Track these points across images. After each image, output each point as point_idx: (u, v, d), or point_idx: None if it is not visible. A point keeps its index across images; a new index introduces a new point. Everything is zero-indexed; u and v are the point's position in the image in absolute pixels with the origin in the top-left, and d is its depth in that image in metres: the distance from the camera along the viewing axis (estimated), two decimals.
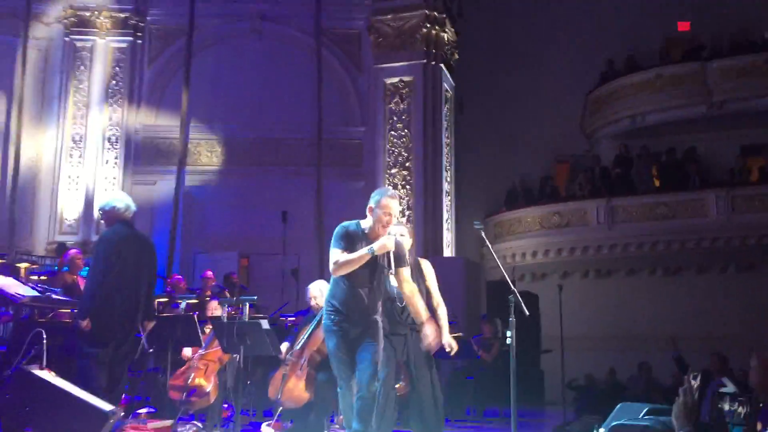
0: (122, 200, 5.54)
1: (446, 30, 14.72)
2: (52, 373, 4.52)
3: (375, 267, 4.42)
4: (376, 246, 4.34)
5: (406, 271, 4.57)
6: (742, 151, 14.98)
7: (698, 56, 14.93)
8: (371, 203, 4.49)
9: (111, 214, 5.44)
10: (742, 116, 14.38)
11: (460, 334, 9.47)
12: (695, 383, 2.44)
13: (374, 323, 4.36)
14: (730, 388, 2.53)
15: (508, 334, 4.86)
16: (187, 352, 6.66)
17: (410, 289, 4.55)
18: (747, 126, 14.66)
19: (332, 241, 4.44)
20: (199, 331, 6.44)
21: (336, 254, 4.40)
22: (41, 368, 4.51)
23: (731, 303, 13.22)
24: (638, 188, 14.67)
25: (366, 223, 4.50)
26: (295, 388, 6.09)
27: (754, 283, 13.36)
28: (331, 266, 4.40)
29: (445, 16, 14.61)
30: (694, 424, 2.30)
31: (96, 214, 12.46)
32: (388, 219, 4.45)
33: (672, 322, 13.13)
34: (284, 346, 6.26)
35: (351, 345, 4.40)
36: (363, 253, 4.34)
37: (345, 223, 4.54)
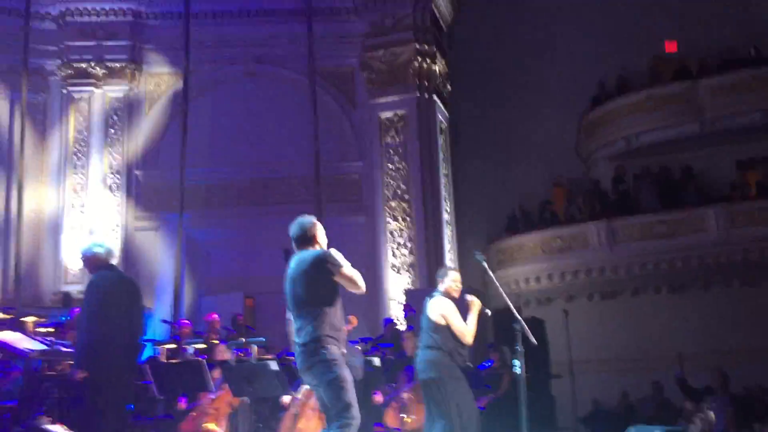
0: (102, 245, 5.55)
1: (437, 62, 14.92)
2: (64, 427, 4.53)
3: None
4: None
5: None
6: (738, 166, 15.07)
7: (688, 75, 15.10)
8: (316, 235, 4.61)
9: (92, 260, 5.43)
10: (735, 132, 14.48)
11: (469, 364, 9.47)
12: (712, 414, 2.46)
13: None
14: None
15: (516, 363, 4.88)
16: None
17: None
18: (740, 141, 14.75)
19: (337, 259, 4.35)
20: (208, 375, 6.45)
21: (356, 271, 4.37)
22: (52, 422, 4.52)
23: (736, 317, 13.20)
24: (641, 208, 14.69)
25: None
26: (307, 428, 6.08)
27: (758, 297, 13.34)
28: (358, 281, 4.33)
29: (435, 49, 14.83)
30: None
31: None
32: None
33: (680, 340, 13.10)
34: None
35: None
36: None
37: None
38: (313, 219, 4.63)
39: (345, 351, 4.40)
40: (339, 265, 4.32)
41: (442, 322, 5.37)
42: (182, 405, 6.50)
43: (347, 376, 4.26)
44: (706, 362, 11.22)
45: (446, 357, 5.29)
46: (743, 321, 13.14)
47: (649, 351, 13.43)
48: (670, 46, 15.98)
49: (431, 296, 5.61)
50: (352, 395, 4.24)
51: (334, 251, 4.43)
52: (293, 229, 4.59)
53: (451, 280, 5.59)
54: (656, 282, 14.30)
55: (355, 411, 4.22)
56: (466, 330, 5.41)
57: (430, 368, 5.34)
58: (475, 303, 5.48)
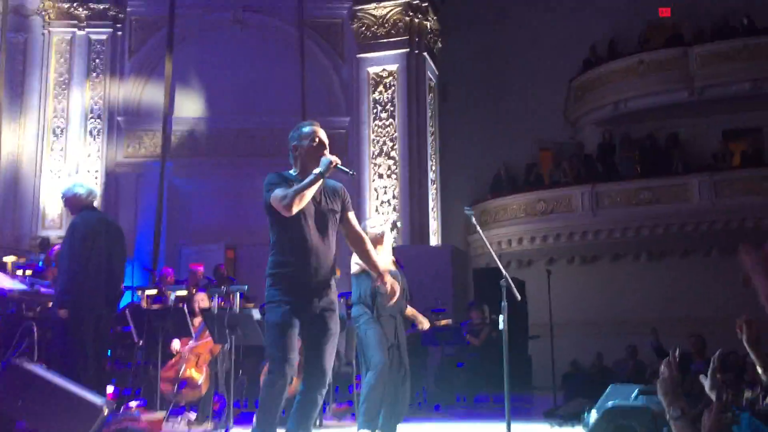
0: (84, 185, 5.45)
1: (429, 18, 14.70)
2: (43, 366, 4.48)
3: (324, 217, 3.76)
4: (323, 165, 3.59)
5: (352, 215, 3.95)
6: (724, 135, 15.12)
7: (680, 42, 15.02)
8: (293, 142, 3.80)
9: (74, 201, 5.34)
10: (723, 101, 14.50)
11: (449, 321, 9.53)
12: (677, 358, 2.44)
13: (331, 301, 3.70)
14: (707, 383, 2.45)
15: (501, 318, 4.87)
16: (175, 345, 6.62)
17: (360, 235, 3.94)
18: (728, 111, 14.78)
19: (268, 187, 3.66)
20: (189, 322, 6.41)
21: (279, 192, 3.58)
22: (32, 361, 4.47)
23: (715, 286, 13.35)
24: (622, 174, 14.77)
25: (294, 171, 3.82)
26: None
27: (736, 266, 13.44)
28: (279, 205, 3.54)
29: (427, 4, 14.59)
30: (685, 400, 2.29)
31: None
32: (318, 145, 3.74)
33: (657, 306, 13.27)
34: None
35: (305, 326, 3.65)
36: (313, 177, 3.57)
37: (273, 173, 3.79)
38: (304, 126, 3.85)
39: (301, 291, 3.65)
40: (267, 189, 3.66)
41: (356, 269, 5.17)
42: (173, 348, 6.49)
43: (278, 321, 3.56)
44: (680, 330, 11.37)
45: (361, 307, 5.15)
46: (720, 289, 13.30)
47: (626, 315, 13.61)
48: (664, 12, 15.87)
49: None
50: (279, 345, 3.54)
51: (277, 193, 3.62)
52: None
53: (369, 227, 5.47)
54: (636, 248, 14.44)
55: (282, 365, 3.52)
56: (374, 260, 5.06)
57: (353, 320, 5.26)
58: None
